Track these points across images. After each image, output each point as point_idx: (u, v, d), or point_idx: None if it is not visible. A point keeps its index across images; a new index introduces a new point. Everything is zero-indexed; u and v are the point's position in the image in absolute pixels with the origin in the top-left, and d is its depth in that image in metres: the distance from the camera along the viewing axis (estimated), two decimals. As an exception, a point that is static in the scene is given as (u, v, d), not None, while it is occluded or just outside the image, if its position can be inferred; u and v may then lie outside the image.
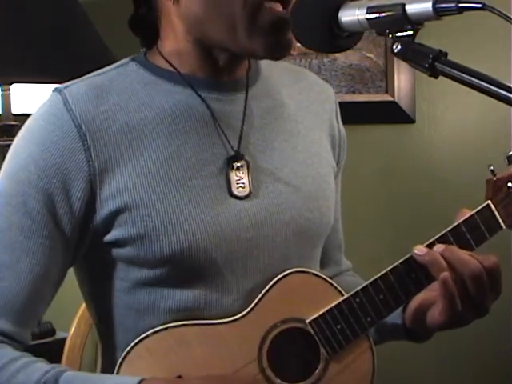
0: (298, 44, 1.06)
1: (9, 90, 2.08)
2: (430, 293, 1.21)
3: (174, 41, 1.20)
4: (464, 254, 1.17)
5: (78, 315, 1.61)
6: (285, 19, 1.12)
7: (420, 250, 1.19)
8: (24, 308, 1.15)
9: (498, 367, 2.41)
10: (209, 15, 1.15)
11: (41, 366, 1.13)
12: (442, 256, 1.16)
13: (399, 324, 1.27)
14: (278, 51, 1.17)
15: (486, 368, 2.43)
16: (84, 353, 1.62)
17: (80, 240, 1.18)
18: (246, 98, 1.24)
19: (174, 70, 1.21)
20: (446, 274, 1.14)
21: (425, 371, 2.45)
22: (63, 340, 1.64)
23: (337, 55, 2.38)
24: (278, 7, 1.13)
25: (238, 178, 1.20)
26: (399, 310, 1.26)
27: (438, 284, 1.16)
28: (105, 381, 1.12)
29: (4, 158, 1.20)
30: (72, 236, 1.17)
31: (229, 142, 1.21)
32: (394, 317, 1.27)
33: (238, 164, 1.20)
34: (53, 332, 2.19)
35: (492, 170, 1.23)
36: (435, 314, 1.19)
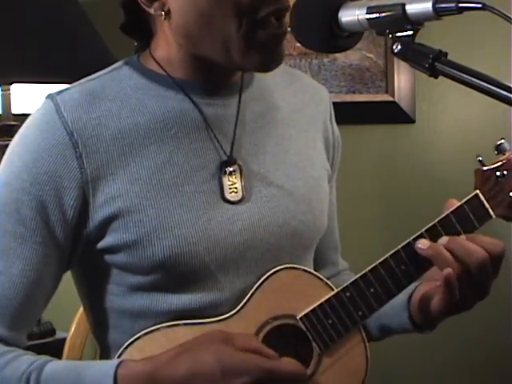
0: (298, 44, 1.06)
1: (9, 89, 2.08)
2: (431, 283, 1.22)
3: (166, 49, 1.20)
4: (469, 243, 1.16)
5: (78, 315, 1.61)
6: (279, 35, 1.13)
7: (423, 243, 1.19)
8: (18, 312, 1.16)
9: (498, 364, 2.41)
10: (201, 35, 1.14)
11: (28, 358, 1.13)
12: (447, 247, 1.16)
13: (407, 324, 1.28)
14: (270, 66, 1.18)
15: (486, 365, 2.43)
16: (84, 353, 1.61)
17: (73, 246, 1.18)
18: (239, 102, 1.24)
19: (166, 75, 1.21)
20: (449, 271, 1.14)
21: (422, 367, 2.45)
22: (63, 340, 1.63)
23: (337, 55, 2.38)
24: (273, 23, 1.13)
25: (231, 183, 1.20)
26: (402, 308, 1.26)
27: (439, 275, 1.16)
28: (87, 369, 1.11)
29: (4, 158, 1.20)
30: (65, 242, 1.17)
31: (221, 147, 1.21)
32: (400, 321, 1.28)
33: (231, 169, 1.20)
34: (53, 332, 2.19)
35: (480, 160, 1.24)
36: (436, 303, 1.19)
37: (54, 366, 1.12)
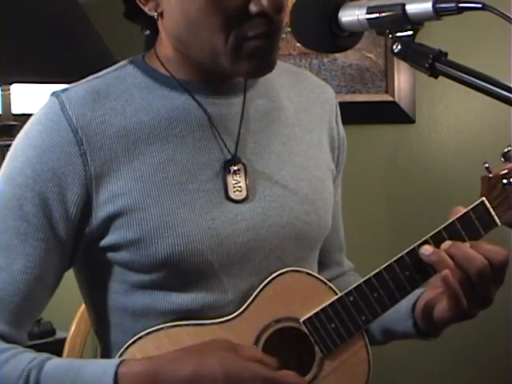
0: (298, 44, 1.06)
1: (9, 90, 2.08)
2: (435, 290, 1.22)
3: (165, 48, 1.21)
4: (469, 250, 1.16)
5: (78, 315, 1.61)
6: (267, 48, 1.14)
7: (426, 249, 1.18)
8: (19, 309, 1.16)
9: (498, 367, 2.41)
10: (190, 41, 1.15)
11: (28, 356, 1.13)
12: (448, 253, 1.16)
13: (411, 331, 1.27)
14: (260, 73, 1.18)
15: (486, 368, 2.43)
16: (84, 353, 1.61)
17: (76, 243, 1.18)
18: (244, 101, 1.24)
19: (170, 75, 1.21)
20: (446, 272, 1.14)
21: (424, 372, 2.45)
22: (63, 340, 1.63)
23: (337, 55, 2.38)
24: (261, 39, 1.13)
25: (235, 182, 1.20)
26: (407, 315, 1.26)
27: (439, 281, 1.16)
28: (87, 366, 1.11)
29: (4, 158, 1.20)
30: (68, 240, 1.17)
31: (225, 146, 1.21)
32: (405, 327, 1.27)
33: (235, 168, 1.20)
34: (53, 332, 2.19)
35: (487, 167, 1.23)
36: (440, 311, 1.19)
37: (54, 363, 1.12)
